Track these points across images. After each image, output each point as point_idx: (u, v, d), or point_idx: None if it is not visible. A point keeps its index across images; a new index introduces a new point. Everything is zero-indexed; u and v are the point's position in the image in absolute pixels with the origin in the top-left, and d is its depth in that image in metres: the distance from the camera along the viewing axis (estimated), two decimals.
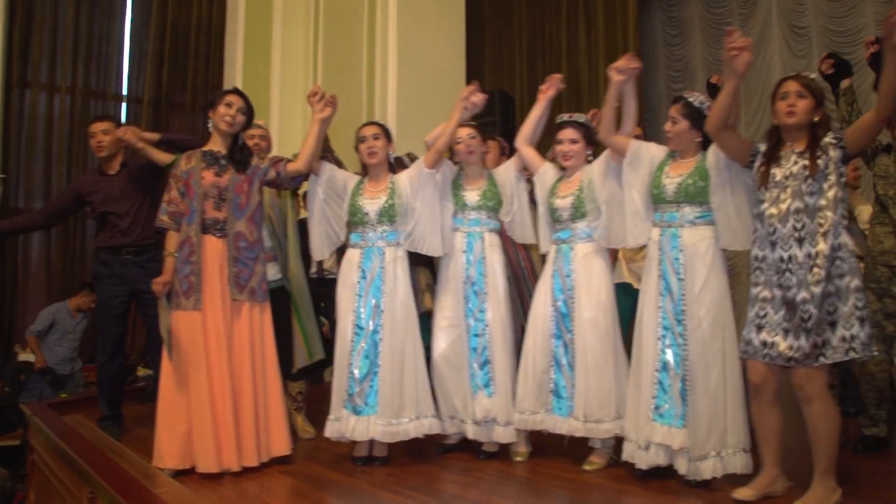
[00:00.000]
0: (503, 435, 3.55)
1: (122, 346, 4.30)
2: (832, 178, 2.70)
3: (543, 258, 3.71)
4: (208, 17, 8.62)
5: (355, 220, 3.60)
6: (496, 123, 6.36)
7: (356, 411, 3.47)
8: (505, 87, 8.20)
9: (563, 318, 3.43)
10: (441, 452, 3.70)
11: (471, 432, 3.61)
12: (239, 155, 3.51)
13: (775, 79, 7.25)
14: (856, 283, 2.64)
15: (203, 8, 8.63)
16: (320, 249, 3.70)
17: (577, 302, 3.38)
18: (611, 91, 3.22)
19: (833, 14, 7.46)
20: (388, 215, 3.56)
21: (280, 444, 3.47)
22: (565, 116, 3.58)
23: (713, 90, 3.90)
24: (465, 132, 3.73)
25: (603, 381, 3.30)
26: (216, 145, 3.50)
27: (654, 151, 3.27)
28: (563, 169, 3.60)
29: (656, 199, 3.17)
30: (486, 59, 9.04)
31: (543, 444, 3.70)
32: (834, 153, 2.72)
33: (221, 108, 3.45)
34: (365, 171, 3.72)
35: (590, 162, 3.51)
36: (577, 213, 3.43)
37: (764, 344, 2.74)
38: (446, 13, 6.81)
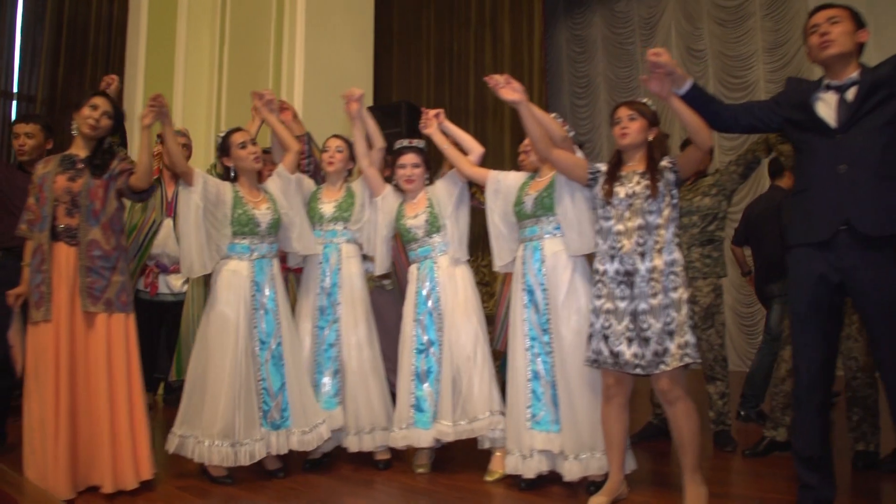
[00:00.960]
0: (356, 444, 3.54)
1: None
2: (667, 199, 2.86)
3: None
4: (109, 13, 8.29)
5: (246, 231, 3.51)
6: (402, 135, 6.36)
7: (274, 426, 3.41)
8: (412, 99, 8.22)
9: (428, 330, 3.52)
10: (307, 469, 3.61)
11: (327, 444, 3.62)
12: (98, 159, 3.27)
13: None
14: (686, 294, 2.80)
15: (103, 4, 8.33)
16: (202, 264, 3.41)
17: (445, 310, 3.48)
18: (526, 116, 3.25)
19: (726, 40, 7.84)
20: (276, 227, 3.57)
21: (144, 467, 3.15)
22: (405, 142, 3.71)
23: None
24: (334, 143, 3.77)
25: (479, 381, 3.37)
26: (77, 149, 3.28)
27: (512, 179, 3.43)
28: (402, 192, 3.70)
29: (519, 215, 3.32)
30: (395, 71, 9.05)
31: (451, 456, 3.72)
32: (669, 176, 2.89)
33: (85, 111, 3.23)
34: (261, 177, 3.72)
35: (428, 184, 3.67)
36: (433, 227, 3.55)
37: (612, 353, 2.86)
38: (355, 25, 6.80)
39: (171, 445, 3.32)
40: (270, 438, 3.38)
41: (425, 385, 3.49)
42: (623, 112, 3.00)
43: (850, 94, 2.58)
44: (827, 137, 2.58)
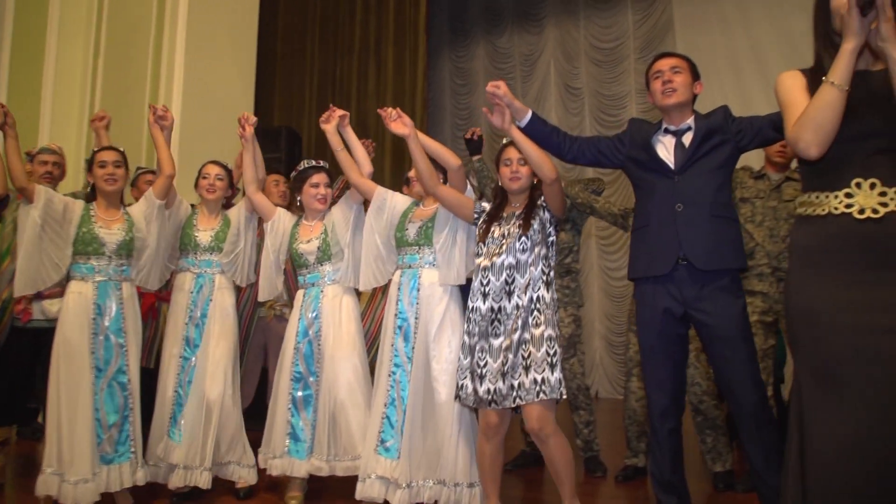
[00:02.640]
0: (202, 480, 3.41)
1: None
2: (539, 236, 2.94)
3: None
4: None
5: (89, 251, 3.33)
6: (282, 160, 6.27)
7: (105, 460, 3.22)
8: (293, 125, 8.13)
9: (307, 360, 3.46)
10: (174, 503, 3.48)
11: (160, 476, 3.49)
12: None
13: None
14: (549, 332, 2.85)
15: None
16: (34, 282, 3.25)
17: (326, 342, 3.41)
18: (333, 138, 3.38)
19: (602, 79, 8.14)
20: (127, 249, 3.40)
21: None
22: (312, 162, 3.65)
23: (470, 144, 4.09)
24: (214, 170, 3.70)
25: (352, 418, 3.32)
26: None
27: (398, 200, 3.44)
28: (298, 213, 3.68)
29: (399, 242, 3.32)
30: (277, 95, 8.91)
31: (326, 486, 3.65)
32: (544, 215, 2.98)
33: None
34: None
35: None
36: (325, 255, 3.50)
37: (475, 391, 2.88)
38: (238, 46, 6.64)
39: (39, 486, 3.12)
40: (101, 474, 3.19)
41: (302, 414, 3.42)
42: (514, 153, 3.02)
43: (686, 139, 2.77)
44: (666, 178, 2.74)
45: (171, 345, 3.55)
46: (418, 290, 3.22)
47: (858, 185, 1.89)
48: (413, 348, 3.20)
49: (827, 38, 2.03)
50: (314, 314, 3.47)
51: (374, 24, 8.56)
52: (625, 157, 2.89)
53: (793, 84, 2.05)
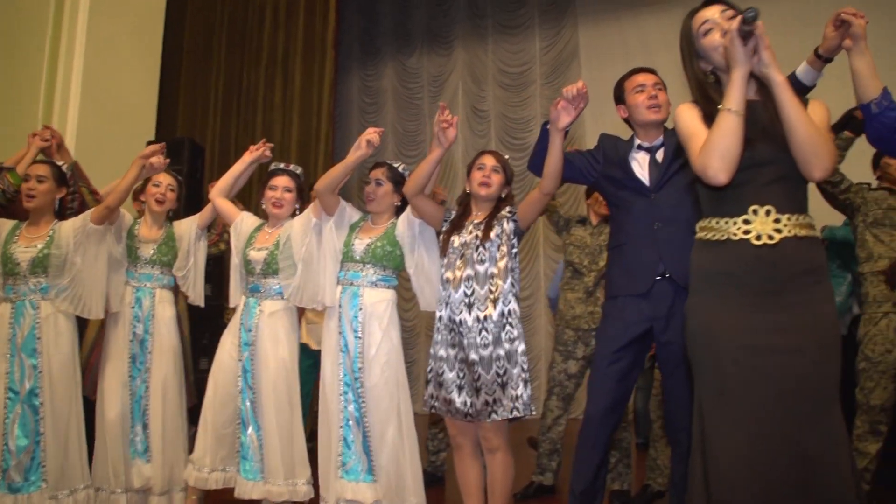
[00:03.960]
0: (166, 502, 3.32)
1: None
2: (504, 248, 2.91)
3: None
4: None
5: (6, 271, 3.19)
6: (183, 172, 6.09)
7: (13, 489, 3.04)
8: (196, 135, 7.95)
9: (247, 374, 3.32)
10: None
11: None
12: None
13: (456, 155, 7.73)
14: (522, 347, 2.85)
15: None
16: None
17: (259, 360, 3.28)
18: (353, 159, 3.12)
19: (508, 103, 8.29)
20: (42, 266, 3.23)
21: None
22: (281, 165, 3.53)
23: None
24: (166, 180, 3.57)
25: (280, 443, 3.21)
26: None
27: (353, 214, 3.34)
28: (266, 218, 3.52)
29: (344, 257, 3.21)
30: (180, 103, 8.69)
31: None
32: (508, 225, 2.95)
33: None
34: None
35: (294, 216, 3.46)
36: (270, 268, 3.33)
37: (445, 401, 2.87)
38: (141, 51, 6.41)
39: None
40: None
41: (249, 431, 3.28)
42: (489, 160, 3.00)
43: (660, 155, 2.78)
44: (642, 196, 2.74)
45: (114, 364, 3.37)
46: (360, 310, 3.13)
47: (755, 212, 1.97)
48: (359, 368, 3.09)
49: (699, 77, 2.13)
50: (251, 327, 3.32)
51: (283, 37, 8.47)
52: (599, 174, 2.87)
53: (691, 115, 2.11)
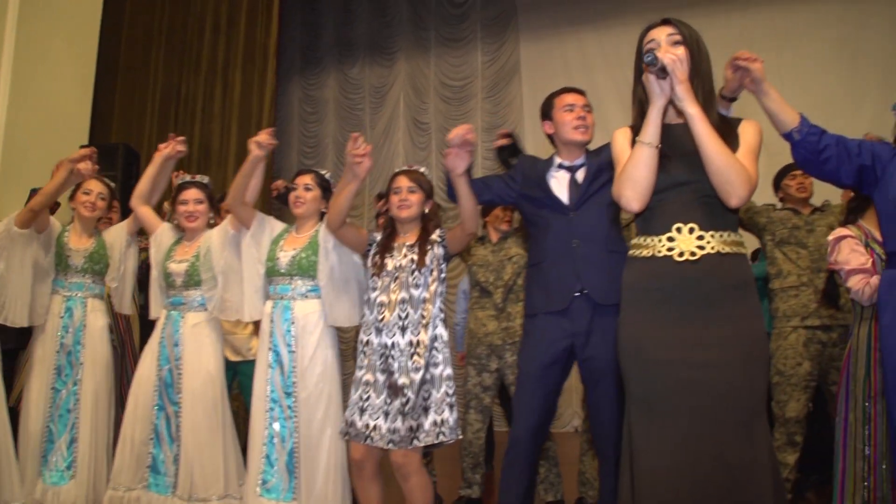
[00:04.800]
0: None
1: None
2: (435, 273, 2.92)
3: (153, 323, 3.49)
4: None
5: None
6: (118, 179, 5.97)
7: None
8: (132, 142, 7.77)
9: (168, 389, 3.25)
10: None
11: None
12: None
13: (399, 166, 7.72)
14: (447, 371, 2.85)
15: None
16: None
17: (185, 372, 3.22)
18: (248, 163, 3.11)
19: (450, 116, 8.33)
20: None
21: None
22: (187, 177, 3.48)
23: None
24: (97, 187, 3.51)
25: (210, 456, 3.16)
26: None
27: (274, 225, 3.29)
28: (182, 231, 3.46)
29: (270, 271, 3.16)
30: (116, 109, 8.50)
31: None
32: (438, 250, 2.95)
33: None
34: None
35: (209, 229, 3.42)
36: (192, 280, 3.29)
37: (366, 426, 2.82)
38: (74, 56, 6.24)
39: None
40: None
41: (164, 445, 3.20)
42: (403, 181, 2.98)
43: (580, 175, 2.81)
44: (561, 214, 2.77)
45: (40, 375, 3.28)
46: (292, 323, 3.08)
47: (679, 230, 2.03)
48: (293, 383, 3.05)
49: (639, 99, 2.18)
50: (175, 341, 3.25)
51: (224, 45, 8.37)
52: (518, 194, 2.89)
53: (622, 142, 2.19)
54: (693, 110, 1.99)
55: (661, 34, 2.13)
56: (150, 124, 8.47)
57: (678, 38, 2.11)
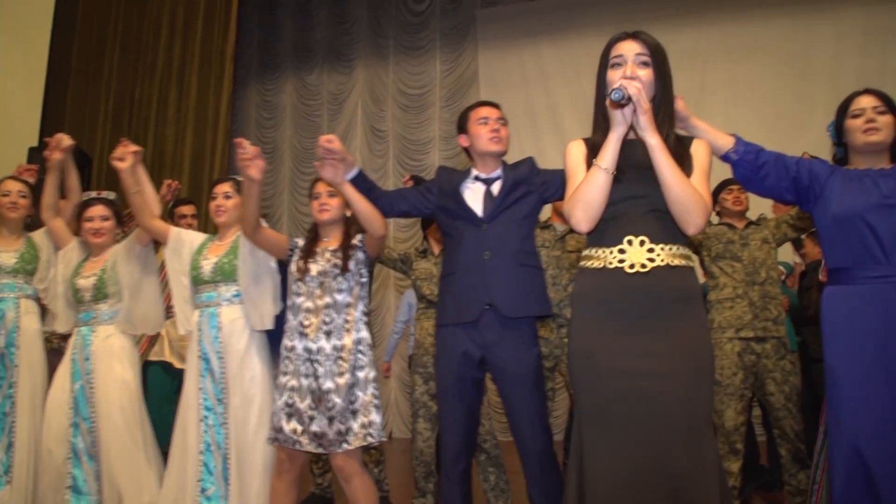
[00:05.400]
0: None
1: None
2: (357, 277, 2.95)
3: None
4: None
5: None
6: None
7: None
8: (84, 145, 7.63)
9: (80, 405, 3.22)
10: None
11: None
12: None
13: None
14: (372, 374, 2.88)
15: None
16: None
17: (98, 385, 3.20)
18: (128, 179, 3.15)
19: (408, 124, 8.35)
20: None
21: None
22: (93, 193, 3.49)
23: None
24: (15, 187, 3.49)
25: (133, 469, 3.14)
26: None
27: (193, 237, 3.32)
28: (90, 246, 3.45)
29: (195, 280, 3.17)
30: (67, 112, 8.34)
31: None
32: (360, 254, 2.97)
33: None
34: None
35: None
36: (100, 294, 3.29)
37: (294, 431, 2.83)
38: (26, 55, 6.13)
39: None
40: None
41: (83, 463, 3.15)
42: (322, 188, 2.99)
43: (495, 187, 2.84)
44: (474, 226, 2.79)
45: None
46: (219, 329, 3.08)
47: (630, 242, 2.05)
48: (222, 389, 3.04)
49: (601, 118, 2.18)
50: (86, 355, 3.22)
51: (180, 49, 8.28)
52: (434, 205, 2.91)
53: (576, 155, 2.19)
54: (654, 141, 2.01)
55: (630, 51, 2.12)
56: (103, 128, 8.33)
57: (646, 59, 2.12)
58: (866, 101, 2.50)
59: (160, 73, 8.31)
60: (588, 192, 2.04)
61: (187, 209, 4.52)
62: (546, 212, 3.98)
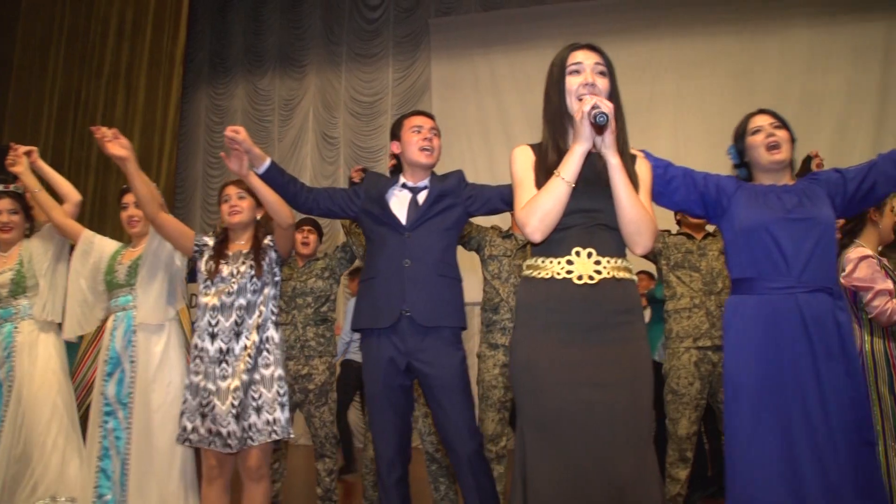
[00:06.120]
0: None
1: None
2: (268, 276, 2.96)
3: None
4: None
5: None
6: (7, 181, 5.70)
7: None
8: (28, 144, 7.44)
9: None
10: None
11: None
12: None
13: (306, 180, 7.63)
14: (279, 372, 2.90)
15: None
16: None
17: (21, 377, 3.17)
18: (28, 180, 3.21)
19: (359, 131, 8.32)
20: None
21: None
22: (0, 187, 3.44)
23: None
24: (3, 205, 3.42)
25: (53, 459, 3.11)
26: None
27: (105, 243, 3.31)
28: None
29: (110, 285, 3.18)
30: (8, 109, 8.12)
31: None
32: (272, 254, 3.00)
33: None
34: None
35: None
36: (19, 288, 3.27)
37: (209, 431, 2.81)
38: None
39: None
40: None
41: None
42: (232, 190, 3.01)
43: (421, 197, 2.86)
44: (397, 233, 2.81)
45: None
46: (134, 332, 3.08)
47: (578, 254, 2.06)
48: (129, 393, 3.03)
49: (558, 124, 2.18)
50: (6, 353, 3.18)
51: (128, 49, 8.11)
52: (359, 209, 2.92)
53: (524, 162, 2.18)
54: (615, 161, 2.04)
55: (588, 59, 2.14)
56: (47, 127, 8.13)
57: (604, 68, 2.15)
58: (763, 119, 2.62)
59: (107, 74, 8.12)
60: (548, 203, 2.04)
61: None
62: (508, 221, 4.00)
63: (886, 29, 7.06)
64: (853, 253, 3.02)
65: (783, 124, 2.59)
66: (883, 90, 6.99)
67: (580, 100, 2.06)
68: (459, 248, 3.81)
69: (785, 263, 2.40)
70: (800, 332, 2.36)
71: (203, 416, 2.81)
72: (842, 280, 2.96)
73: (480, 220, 3.61)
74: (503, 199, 2.82)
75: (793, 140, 2.59)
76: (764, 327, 2.40)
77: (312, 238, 4.27)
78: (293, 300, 4.06)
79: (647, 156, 2.31)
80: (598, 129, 2.01)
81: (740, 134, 2.67)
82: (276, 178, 2.83)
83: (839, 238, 3.20)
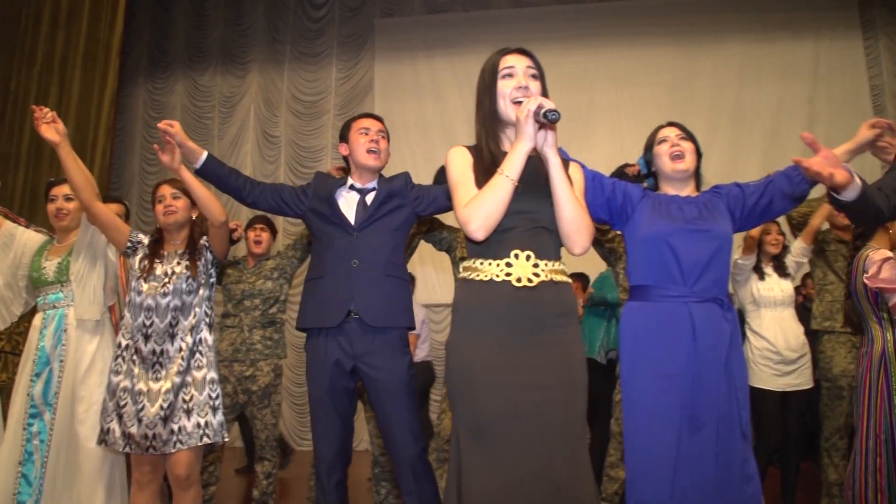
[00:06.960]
0: None
1: None
2: (204, 277, 2.96)
3: None
4: None
5: None
6: None
7: None
8: None
9: None
10: None
11: None
12: None
13: None
14: (211, 375, 2.88)
15: None
16: None
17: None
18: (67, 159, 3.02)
19: (301, 131, 8.28)
20: None
21: None
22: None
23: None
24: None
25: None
26: None
27: (28, 237, 3.26)
28: None
29: (37, 282, 3.13)
30: None
31: None
32: (208, 255, 2.99)
33: None
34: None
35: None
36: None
37: (124, 434, 2.77)
38: None
39: None
40: None
41: None
42: (166, 190, 2.98)
43: (369, 198, 2.89)
44: (346, 233, 2.82)
45: None
46: (65, 331, 3.02)
47: (517, 256, 2.08)
48: (56, 394, 2.97)
49: (491, 125, 2.22)
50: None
51: (62, 40, 7.88)
52: (307, 208, 2.92)
53: (462, 162, 2.20)
54: (556, 160, 2.07)
55: (520, 63, 2.18)
56: None
57: (535, 72, 2.19)
58: (670, 130, 2.70)
59: (40, 65, 7.87)
60: (492, 201, 2.04)
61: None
62: None
63: (814, 47, 7.37)
64: (876, 255, 3.02)
65: (689, 136, 2.67)
66: (810, 104, 7.28)
67: (516, 103, 2.10)
68: (431, 248, 3.86)
69: (680, 273, 2.48)
70: (689, 339, 2.43)
71: (119, 417, 2.77)
72: (866, 281, 2.99)
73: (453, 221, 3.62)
74: (449, 197, 2.85)
75: (699, 153, 2.68)
76: (658, 333, 2.47)
77: (265, 236, 4.20)
78: (241, 302, 4.00)
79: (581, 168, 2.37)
80: (550, 126, 2.04)
81: (649, 144, 2.74)
82: (216, 170, 2.82)
83: (852, 241, 3.29)
